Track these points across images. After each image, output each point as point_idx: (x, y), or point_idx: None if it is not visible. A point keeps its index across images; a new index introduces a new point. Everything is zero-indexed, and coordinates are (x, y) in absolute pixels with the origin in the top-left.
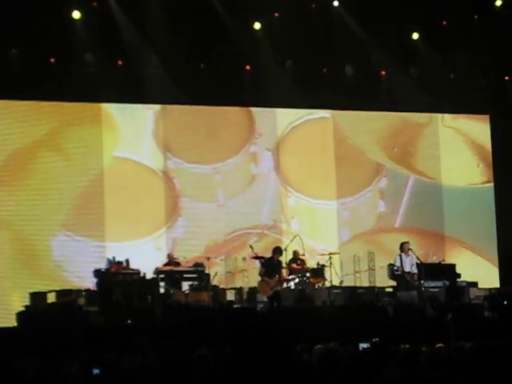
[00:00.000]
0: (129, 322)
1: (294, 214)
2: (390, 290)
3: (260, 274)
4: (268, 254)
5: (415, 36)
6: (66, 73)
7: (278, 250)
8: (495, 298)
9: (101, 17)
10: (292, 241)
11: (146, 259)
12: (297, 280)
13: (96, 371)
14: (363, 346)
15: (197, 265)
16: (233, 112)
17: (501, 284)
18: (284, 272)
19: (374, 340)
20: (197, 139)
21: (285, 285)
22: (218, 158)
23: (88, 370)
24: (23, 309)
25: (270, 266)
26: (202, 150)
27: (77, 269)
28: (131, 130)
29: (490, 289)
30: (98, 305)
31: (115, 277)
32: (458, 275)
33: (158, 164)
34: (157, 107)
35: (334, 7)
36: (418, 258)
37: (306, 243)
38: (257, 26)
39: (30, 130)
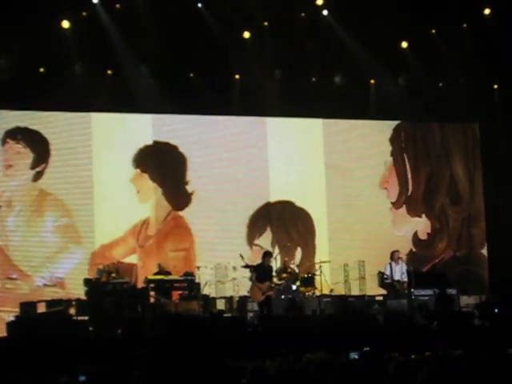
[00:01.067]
0: (119, 331)
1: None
2: (380, 298)
3: (251, 280)
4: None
5: (404, 45)
6: (55, 82)
7: (267, 254)
8: (486, 306)
9: (90, 26)
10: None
11: None
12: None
13: (82, 378)
14: (354, 355)
15: (187, 274)
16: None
17: (490, 292)
18: (275, 278)
19: (364, 349)
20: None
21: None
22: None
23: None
24: (13, 319)
25: (261, 271)
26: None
27: None
28: (121, 140)
29: (480, 297)
30: (88, 314)
31: (105, 286)
32: (449, 283)
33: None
34: (146, 116)
35: (323, 16)
36: (408, 266)
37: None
38: (246, 35)
39: None
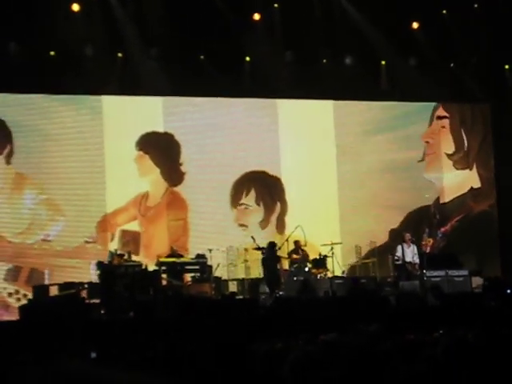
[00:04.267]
0: (131, 314)
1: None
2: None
3: None
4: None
5: (415, 25)
6: (65, 66)
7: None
8: (498, 287)
9: (100, 9)
10: (294, 231)
11: None
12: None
13: (93, 355)
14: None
15: (199, 256)
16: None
17: (502, 273)
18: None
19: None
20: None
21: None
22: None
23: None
24: (26, 302)
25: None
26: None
27: None
28: (132, 123)
29: (491, 278)
30: (100, 297)
31: (117, 269)
32: (460, 264)
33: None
34: (157, 99)
35: None
36: (419, 248)
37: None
38: (256, 16)
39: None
